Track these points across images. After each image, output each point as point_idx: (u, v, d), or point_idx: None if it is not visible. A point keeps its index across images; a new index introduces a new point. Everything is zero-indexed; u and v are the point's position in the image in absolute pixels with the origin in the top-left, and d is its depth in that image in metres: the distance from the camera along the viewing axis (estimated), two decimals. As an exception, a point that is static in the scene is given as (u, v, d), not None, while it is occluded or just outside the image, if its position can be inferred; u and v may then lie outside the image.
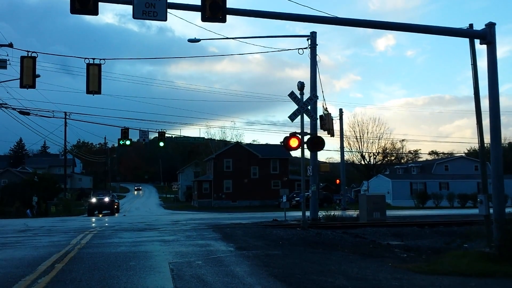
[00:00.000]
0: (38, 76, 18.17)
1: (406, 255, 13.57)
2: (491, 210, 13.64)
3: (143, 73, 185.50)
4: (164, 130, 41.60)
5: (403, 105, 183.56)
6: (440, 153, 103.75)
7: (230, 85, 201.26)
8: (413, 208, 53.07)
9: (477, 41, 14.43)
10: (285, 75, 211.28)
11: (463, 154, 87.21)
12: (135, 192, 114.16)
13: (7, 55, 32.97)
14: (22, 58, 16.87)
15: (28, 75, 16.77)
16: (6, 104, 39.33)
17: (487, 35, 13.54)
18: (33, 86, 16.88)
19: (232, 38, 27.99)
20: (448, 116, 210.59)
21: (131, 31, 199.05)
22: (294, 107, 21.08)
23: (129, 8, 14.24)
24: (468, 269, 10.91)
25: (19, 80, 17.03)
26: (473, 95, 15.17)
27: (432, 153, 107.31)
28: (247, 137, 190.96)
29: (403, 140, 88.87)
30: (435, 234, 18.60)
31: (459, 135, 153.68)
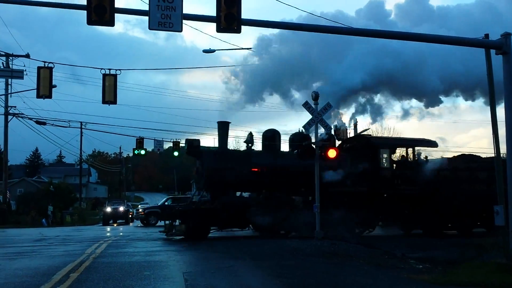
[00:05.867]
0: (55, 86, 18.35)
1: (421, 266, 13.44)
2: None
3: (156, 82, 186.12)
4: (179, 140, 41.78)
5: (418, 114, 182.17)
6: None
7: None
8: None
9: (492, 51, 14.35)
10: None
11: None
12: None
13: (24, 66, 33.38)
14: (39, 68, 17.06)
15: (45, 86, 16.95)
16: (22, 114, 39.80)
17: (503, 45, 13.43)
18: (49, 96, 17.05)
19: (247, 49, 28.00)
20: (464, 126, 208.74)
21: (141, 39, 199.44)
22: (307, 116, 21.13)
23: (138, 16, 14.34)
24: (485, 280, 10.78)
25: (35, 90, 17.26)
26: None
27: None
28: (260, 147, 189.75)
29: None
30: (451, 245, 18.41)
31: (475, 145, 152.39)
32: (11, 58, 35.42)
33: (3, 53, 34.70)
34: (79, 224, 47.75)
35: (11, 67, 34.74)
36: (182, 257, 14.36)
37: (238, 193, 24.11)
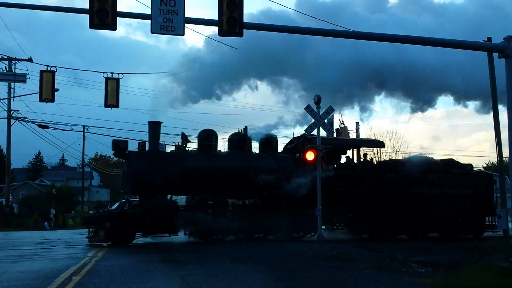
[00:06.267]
0: (57, 90, 18.38)
1: (423, 269, 13.42)
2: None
3: (158, 86, 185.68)
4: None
5: (420, 118, 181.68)
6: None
7: (245, 98, 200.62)
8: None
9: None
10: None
11: (482, 168, 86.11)
12: None
13: (26, 69, 33.39)
14: (42, 72, 17.08)
15: (48, 89, 16.97)
16: (25, 117, 39.84)
17: (506, 49, 13.42)
18: (52, 100, 17.07)
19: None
20: (466, 129, 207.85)
21: (142, 43, 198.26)
22: (309, 119, 21.17)
23: (139, 20, 14.33)
24: (487, 284, 10.76)
25: (38, 94, 17.29)
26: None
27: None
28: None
29: (420, 154, 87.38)
30: (453, 249, 18.39)
31: (477, 149, 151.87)
32: (13, 62, 35.48)
33: (6, 57, 34.75)
34: (81, 227, 47.74)
35: (13, 71, 34.81)
36: (184, 260, 14.35)
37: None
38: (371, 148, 32.32)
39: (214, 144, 22.19)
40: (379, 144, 24.44)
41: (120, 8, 12.98)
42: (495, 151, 14.88)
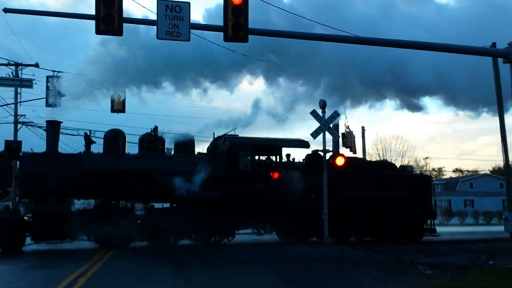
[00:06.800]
0: (63, 95, 18.49)
1: (430, 272, 13.39)
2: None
3: (163, 90, 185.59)
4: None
5: (426, 122, 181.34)
6: (464, 171, 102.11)
7: (250, 102, 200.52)
8: (438, 225, 52.24)
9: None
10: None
11: (488, 172, 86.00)
12: None
13: (33, 74, 33.48)
14: (48, 78, 17.24)
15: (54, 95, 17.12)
16: (32, 122, 39.95)
17: (510, 54, 13.46)
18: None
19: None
20: (472, 133, 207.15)
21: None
22: (314, 123, 21.17)
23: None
24: (495, 286, 10.76)
25: (45, 99, 17.44)
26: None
27: (456, 170, 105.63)
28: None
29: (426, 158, 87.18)
30: (460, 251, 18.34)
31: (483, 153, 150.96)
32: (20, 67, 35.63)
33: (13, 63, 34.88)
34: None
35: (20, 76, 34.96)
36: (190, 262, 14.37)
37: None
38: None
39: (121, 146, 20.63)
40: (302, 144, 22.46)
41: (125, 14, 13.08)
42: (501, 154, 14.90)
